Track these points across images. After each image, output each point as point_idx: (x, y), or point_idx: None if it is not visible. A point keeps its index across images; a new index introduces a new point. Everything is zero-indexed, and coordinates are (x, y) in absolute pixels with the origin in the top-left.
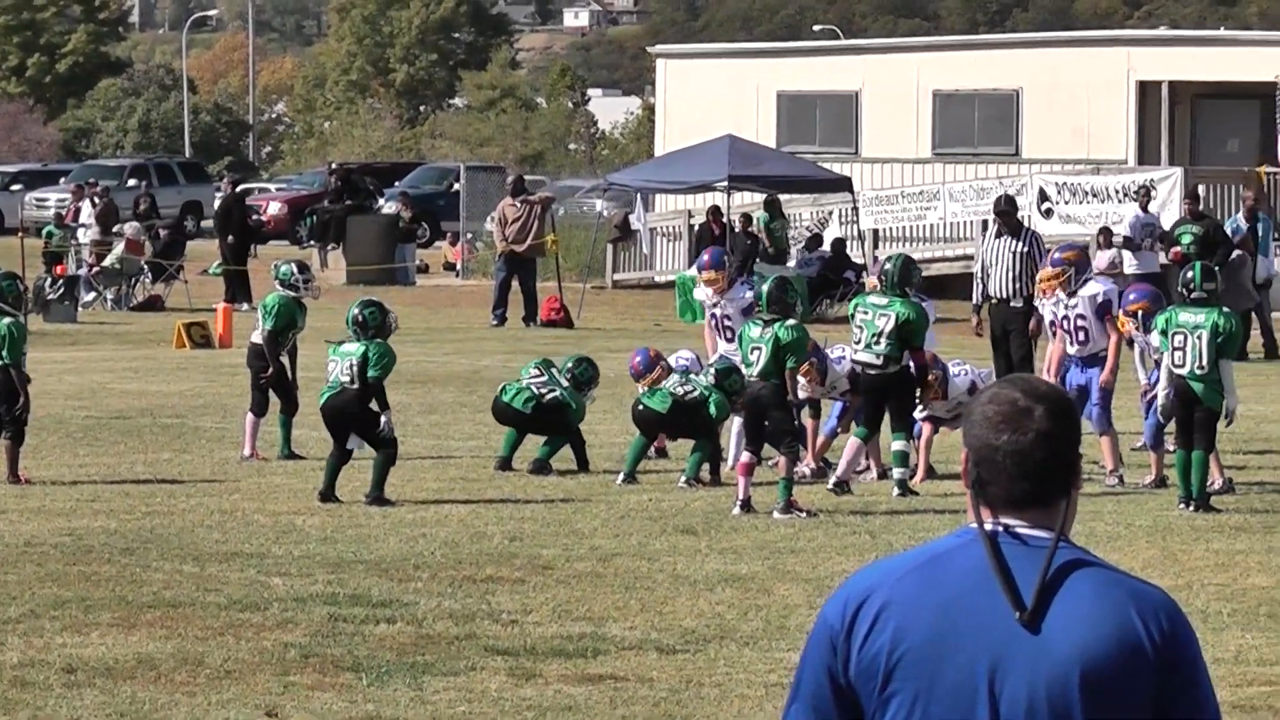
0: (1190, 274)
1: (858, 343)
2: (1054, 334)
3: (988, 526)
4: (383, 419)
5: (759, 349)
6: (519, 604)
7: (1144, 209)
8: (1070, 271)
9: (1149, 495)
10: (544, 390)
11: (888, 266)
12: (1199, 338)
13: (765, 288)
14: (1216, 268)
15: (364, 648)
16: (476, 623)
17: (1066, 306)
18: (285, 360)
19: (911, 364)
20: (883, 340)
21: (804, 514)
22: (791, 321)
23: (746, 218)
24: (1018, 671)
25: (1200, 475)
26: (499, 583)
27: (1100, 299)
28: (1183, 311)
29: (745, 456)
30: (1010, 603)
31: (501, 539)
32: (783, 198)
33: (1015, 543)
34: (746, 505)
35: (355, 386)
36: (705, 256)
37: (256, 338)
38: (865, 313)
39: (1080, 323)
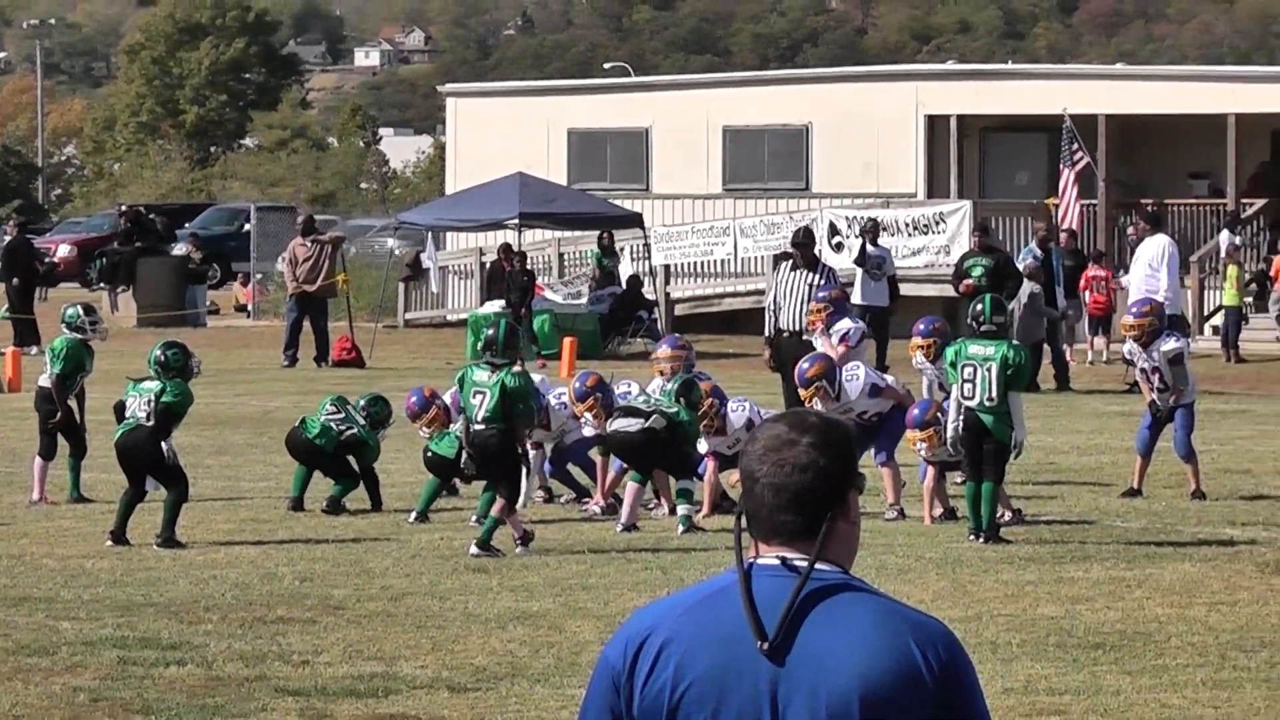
0: (980, 306)
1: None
2: None
3: (762, 560)
4: (165, 446)
5: (483, 394)
6: (310, 644)
7: (873, 243)
8: (828, 308)
9: (939, 528)
10: (342, 427)
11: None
12: (988, 370)
13: (493, 333)
14: (1006, 300)
15: (154, 690)
16: (267, 664)
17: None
18: (73, 404)
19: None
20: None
21: (500, 554)
22: (518, 369)
23: (522, 255)
24: (799, 701)
25: (990, 507)
26: (290, 623)
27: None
28: (972, 344)
29: (499, 502)
30: (753, 633)
31: (292, 579)
32: (574, 235)
33: (789, 574)
34: (527, 538)
35: (149, 424)
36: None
37: (45, 381)
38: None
39: None
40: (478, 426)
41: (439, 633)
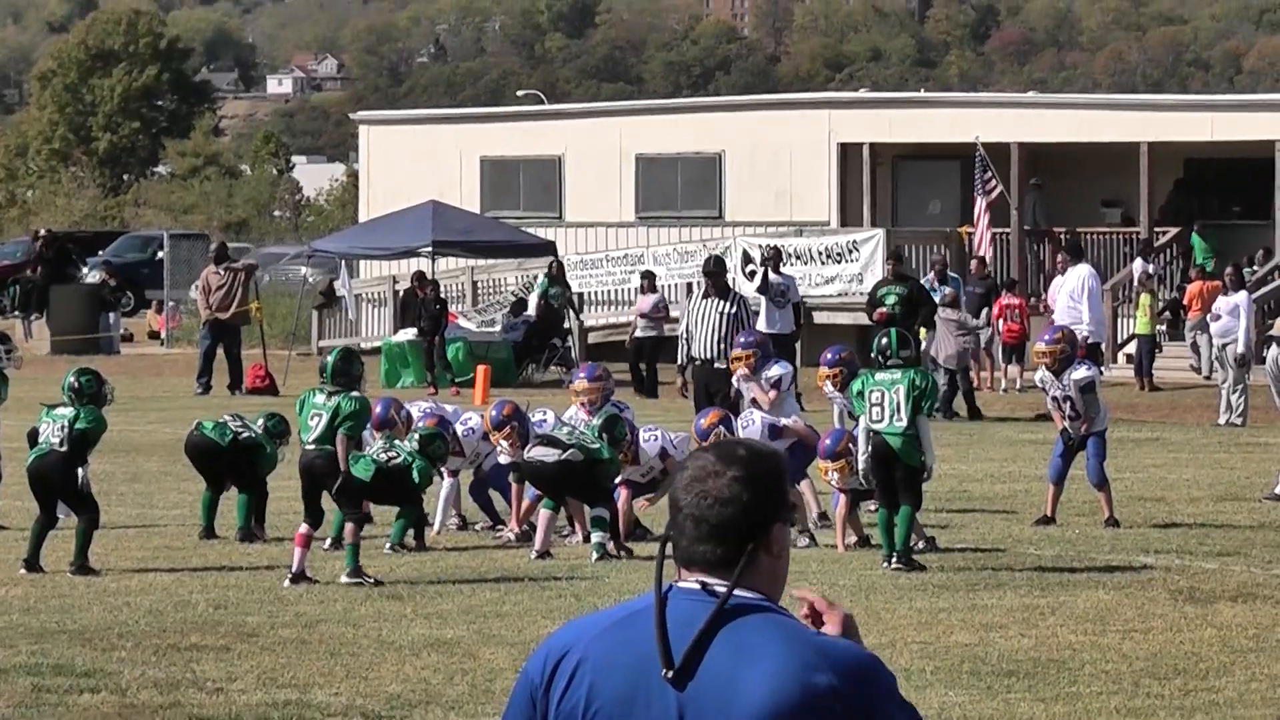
0: (885, 341)
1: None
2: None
3: (683, 584)
4: (80, 473)
5: (319, 415)
6: (224, 672)
7: (775, 270)
8: (757, 353)
9: (853, 555)
10: (239, 429)
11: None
12: (895, 393)
13: (330, 359)
14: (919, 327)
15: (68, 718)
16: (181, 691)
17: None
18: None
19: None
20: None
21: (371, 581)
22: (356, 394)
23: (435, 283)
24: None
25: (905, 530)
26: (204, 650)
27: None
28: (878, 373)
29: (303, 528)
30: (661, 660)
31: (206, 606)
32: (486, 262)
33: (709, 600)
34: (298, 577)
35: (63, 449)
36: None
37: None
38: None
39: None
40: (309, 448)
41: (353, 660)
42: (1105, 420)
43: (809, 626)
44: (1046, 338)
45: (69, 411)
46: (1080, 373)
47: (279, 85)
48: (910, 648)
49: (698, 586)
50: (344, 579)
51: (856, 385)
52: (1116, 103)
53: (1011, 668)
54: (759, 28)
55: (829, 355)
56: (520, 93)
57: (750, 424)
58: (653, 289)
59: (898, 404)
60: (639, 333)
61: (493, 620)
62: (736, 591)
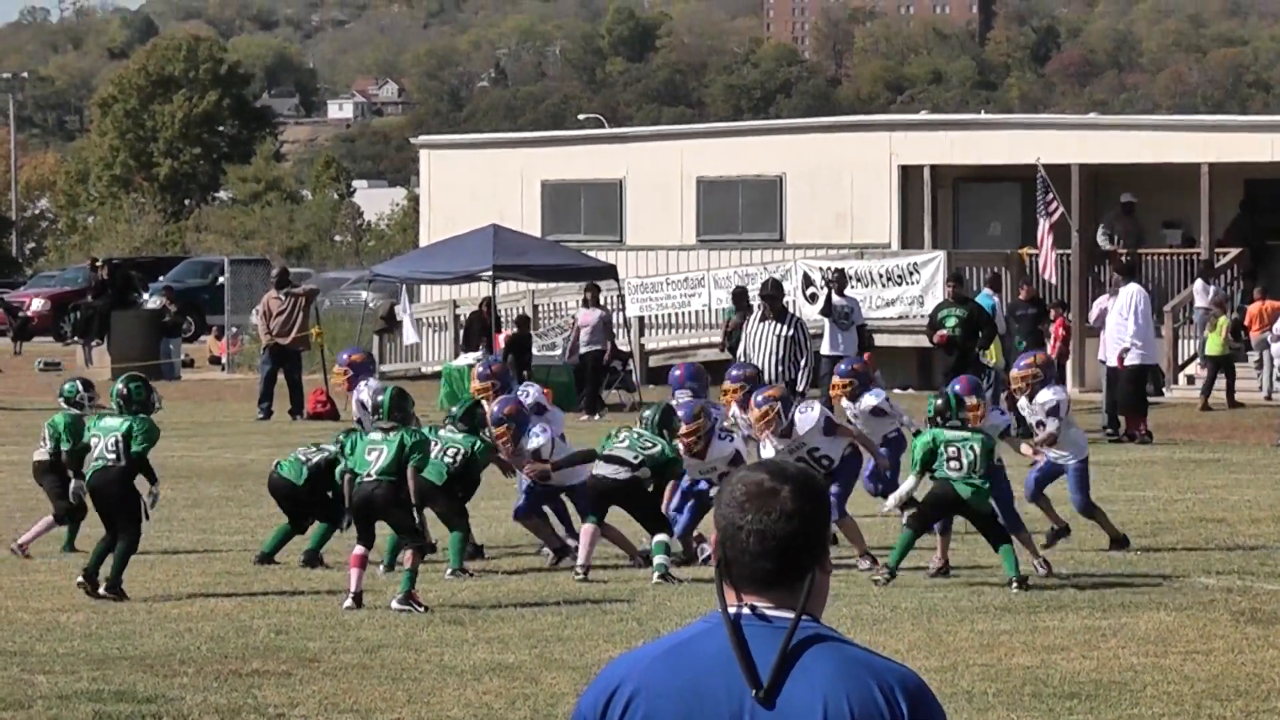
0: (941, 403)
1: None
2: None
3: (731, 610)
4: (153, 490)
5: (379, 450)
6: (285, 697)
7: (839, 293)
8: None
9: (911, 577)
10: (311, 455)
11: (646, 414)
12: (971, 450)
13: (384, 399)
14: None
15: None
16: (243, 717)
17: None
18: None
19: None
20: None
21: (422, 608)
22: (414, 428)
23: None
24: None
25: (1013, 561)
26: (265, 676)
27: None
28: (948, 431)
29: (357, 550)
30: (747, 681)
31: (268, 632)
32: (547, 286)
33: (760, 623)
34: (358, 599)
35: (121, 463)
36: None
37: (40, 455)
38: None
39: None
40: (367, 479)
41: (414, 685)
42: (1084, 450)
43: (861, 647)
44: (1020, 363)
45: (119, 423)
46: (1045, 395)
47: (339, 110)
48: (972, 670)
49: (747, 611)
50: (394, 604)
51: (925, 441)
52: (1177, 124)
53: (1073, 690)
54: (819, 50)
55: (842, 366)
56: (581, 116)
57: (809, 411)
58: (597, 303)
59: (974, 460)
60: (584, 348)
61: (554, 645)
62: (780, 613)
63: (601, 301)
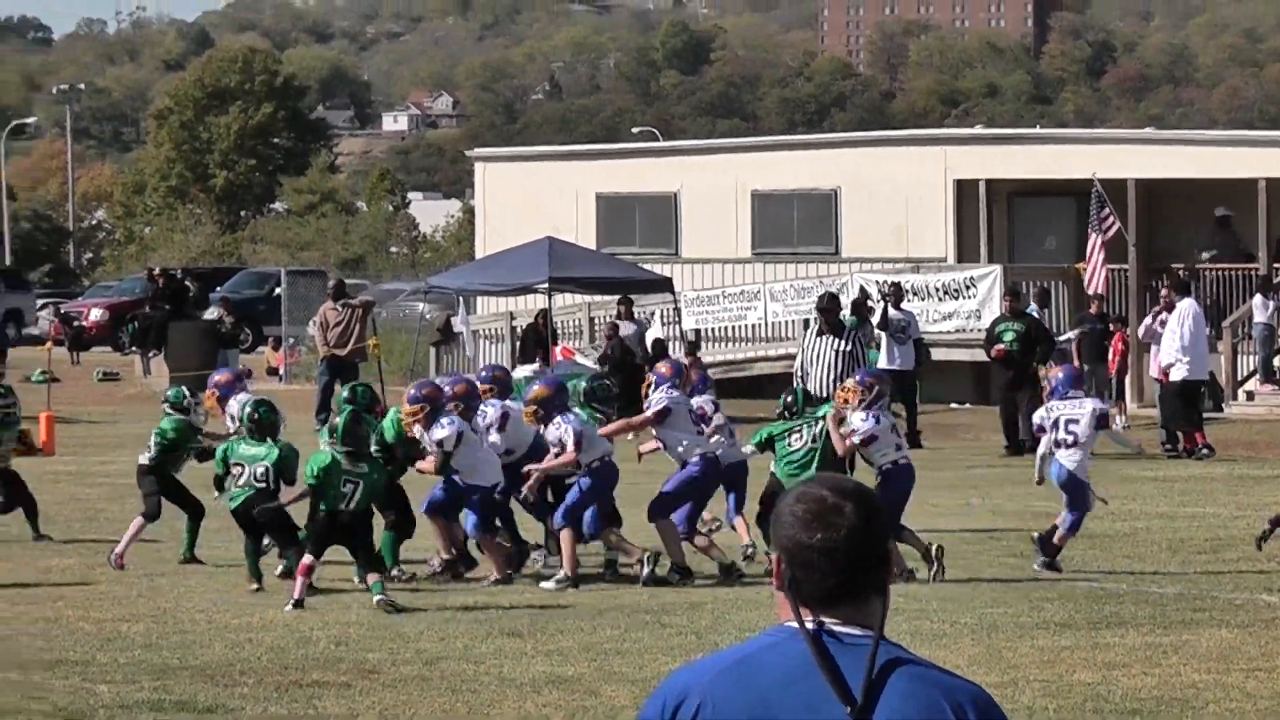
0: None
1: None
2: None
3: (809, 625)
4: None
5: (354, 484)
6: (345, 708)
7: (896, 306)
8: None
9: (971, 591)
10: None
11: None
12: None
13: (338, 419)
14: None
15: None
16: None
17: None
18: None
19: None
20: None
21: (399, 608)
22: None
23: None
24: None
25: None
26: (325, 687)
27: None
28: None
29: (307, 558)
30: (840, 698)
31: (327, 643)
32: (603, 299)
33: (830, 640)
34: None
35: (271, 489)
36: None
37: (144, 459)
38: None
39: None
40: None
41: (474, 697)
42: (1090, 501)
43: (932, 665)
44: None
45: (262, 451)
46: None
47: (394, 122)
48: (1032, 686)
49: (813, 628)
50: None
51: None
52: (1234, 139)
53: (1135, 706)
54: (874, 64)
55: (859, 377)
56: (635, 129)
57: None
58: (630, 316)
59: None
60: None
61: (614, 658)
62: (848, 630)
63: (635, 315)
